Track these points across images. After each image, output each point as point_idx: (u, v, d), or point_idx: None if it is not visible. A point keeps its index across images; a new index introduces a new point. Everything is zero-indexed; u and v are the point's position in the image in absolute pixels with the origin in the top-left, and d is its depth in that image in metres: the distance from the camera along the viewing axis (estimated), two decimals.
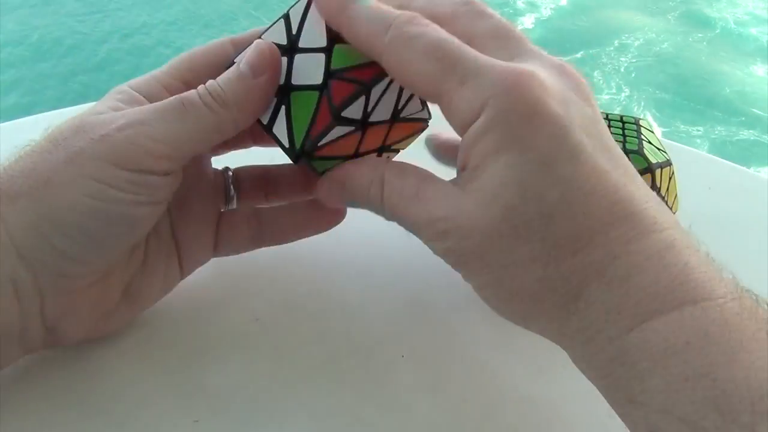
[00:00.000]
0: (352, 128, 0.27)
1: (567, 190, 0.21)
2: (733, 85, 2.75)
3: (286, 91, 0.27)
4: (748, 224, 0.40)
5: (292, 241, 0.32)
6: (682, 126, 2.51)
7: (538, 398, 0.30)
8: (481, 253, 0.22)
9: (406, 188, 0.24)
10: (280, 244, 0.32)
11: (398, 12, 0.24)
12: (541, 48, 0.25)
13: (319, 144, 0.26)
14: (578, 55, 2.82)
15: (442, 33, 0.24)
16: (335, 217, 0.32)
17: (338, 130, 0.27)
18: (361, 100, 0.26)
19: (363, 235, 0.32)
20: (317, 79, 0.26)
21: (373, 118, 0.27)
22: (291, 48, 0.27)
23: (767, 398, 0.18)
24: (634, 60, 2.88)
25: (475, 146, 0.22)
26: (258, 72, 0.26)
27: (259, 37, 0.28)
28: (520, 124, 0.22)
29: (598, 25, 3.05)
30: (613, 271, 0.21)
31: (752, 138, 2.48)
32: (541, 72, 0.23)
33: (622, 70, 2.81)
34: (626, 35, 3.01)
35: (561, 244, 0.21)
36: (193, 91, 0.26)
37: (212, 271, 0.33)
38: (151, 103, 0.27)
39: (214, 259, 0.32)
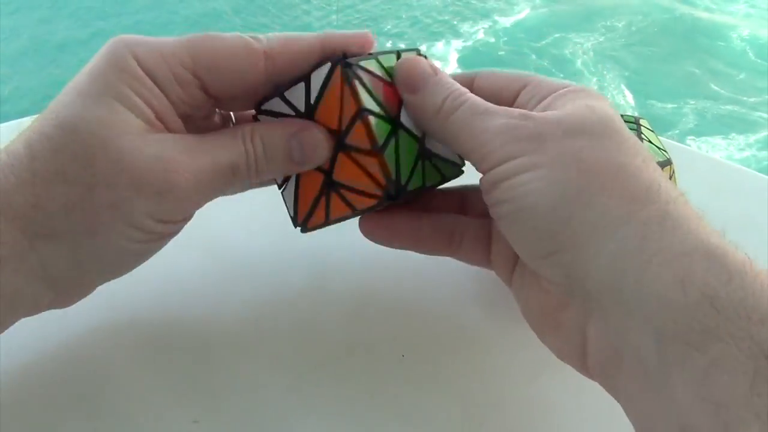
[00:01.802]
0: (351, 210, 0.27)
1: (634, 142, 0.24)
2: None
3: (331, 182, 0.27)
4: (748, 224, 0.39)
5: None
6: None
7: (538, 398, 0.30)
8: (570, 130, 0.23)
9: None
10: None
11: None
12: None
13: (314, 227, 0.28)
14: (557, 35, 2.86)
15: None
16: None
17: (338, 219, 0.28)
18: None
19: (363, 235, 0.32)
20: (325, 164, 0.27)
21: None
22: (307, 116, 0.26)
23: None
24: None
25: (561, 97, 0.25)
26: (306, 163, 0.26)
27: (281, 94, 0.26)
28: (602, 98, 0.26)
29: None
30: (678, 195, 0.23)
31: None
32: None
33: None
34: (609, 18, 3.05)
35: (648, 157, 0.23)
36: (242, 155, 0.25)
37: (212, 271, 0.33)
38: (164, 93, 0.25)
39: (214, 259, 0.32)
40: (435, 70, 0.27)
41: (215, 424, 0.27)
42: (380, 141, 0.25)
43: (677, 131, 2.43)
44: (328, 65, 0.25)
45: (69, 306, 0.27)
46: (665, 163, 0.33)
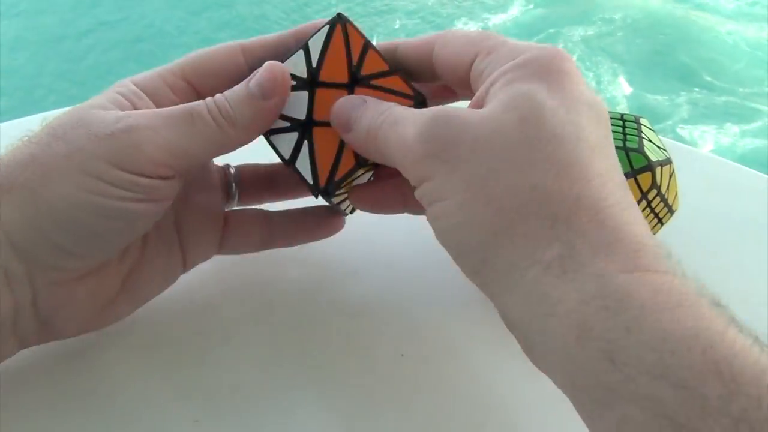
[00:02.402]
0: (369, 167, 0.28)
1: (583, 133, 0.21)
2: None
3: (308, 126, 0.27)
4: (748, 223, 0.39)
5: (298, 244, 0.33)
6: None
7: (538, 398, 0.29)
8: (478, 144, 0.22)
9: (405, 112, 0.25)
10: (287, 246, 0.33)
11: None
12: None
13: (341, 184, 0.27)
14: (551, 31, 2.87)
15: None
16: (339, 222, 0.32)
17: (358, 171, 0.27)
18: None
19: (363, 235, 0.32)
20: None
21: None
22: (311, 81, 0.27)
23: None
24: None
25: (507, 75, 0.23)
26: (268, 95, 0.26)
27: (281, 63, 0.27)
28: (554, 71, 0.23)
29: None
30: (605, 215, 0.20)
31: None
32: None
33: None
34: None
35: (568, 165, 0.21)
36: (201, 103, 0.26)
37: (212, 271, 0.33)
38: (152, 100, 0.27)
39: (214, 259, 0.32)
40: (363, 100, 0.26)
41: (215, 424, 0.27)
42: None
43: (670, 122, 2.46)
44: (327, 27, 0.27)
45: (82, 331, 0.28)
46: (665, 162, 0.33)
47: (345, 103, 0.27)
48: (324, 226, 0.32)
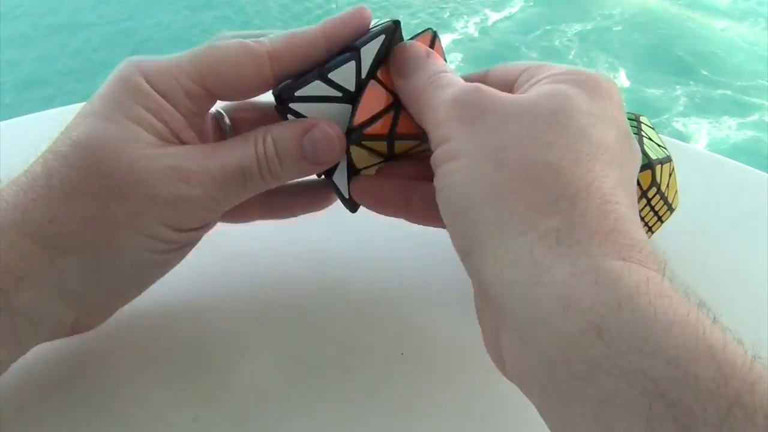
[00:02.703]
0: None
1: (608, 140, 0.22)
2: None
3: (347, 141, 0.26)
4: (748, 222, 0.39)
5: (299, 215, 0.32)
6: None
7: None
8: (507, 118, 0.22)
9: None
10: (286, 217, 0.32)
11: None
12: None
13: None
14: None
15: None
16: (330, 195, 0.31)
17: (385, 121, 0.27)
18: None
19: (363, 235, 0.32)
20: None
21: None
22: (359, 95, 0.26)
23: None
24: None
25: (546, 79, 0.24)
26: (320, 163, 0.26)
27: (325, 76, 0.25)
28: (592, 84, 0.23)
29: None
30: (613, 206, 0.20)
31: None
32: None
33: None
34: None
35: (587, 154, 0.21)
36: (253, 158, 0.25)
37: (212, 271, 0.33)
38: (175, 107, 0.25)
39: (214, 258, 0.32)
40: (427, 53, 0.26)
41: (215, 423, 0.28)
42: None
43: (666, 116, 2.48)
44: (382, 36, 0.26)
45: (91, 329, 0.28)
46: (665, 160, 0.33)
47: (410, 51, 0.26)
48: (320, 198, 0.31)
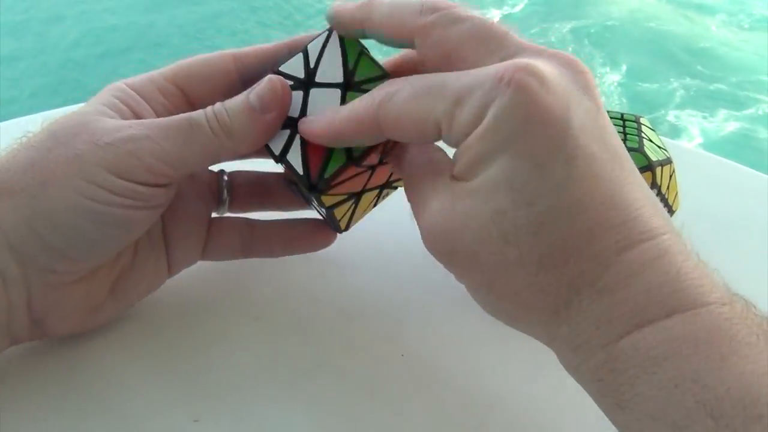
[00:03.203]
0: (365, 169, 0.28)
1: (558, 197, 0.20)
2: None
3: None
4: (748, 223, 0.39)
5: (281, 256, 0.33)
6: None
7: (538, 398, 0.30)
8: (472, 254, 0.22)
9: (419, 189, 0.25)
10: (268, 257, 0.33)
11: (371, 91, 0.25)
12: (528, 39, 0.24)
13: (332, 183, 0.27)
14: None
15: (419, 75, 0.24)
16: (326, 239, 0.32)
17: (352, 170, 0.27)
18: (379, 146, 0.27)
19: (363, 235, 0.32)
20: None
21: (386, 160, 0.28)
22: (308, 82, 0.27)
23: (759, 402, 0.17)
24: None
25: (472, 149, 0.22)
26: (268, 108, 0.26)
27: (277, 70, 0.27)
28: (517, 124, 0.21)
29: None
30: (603, 281, 0.20)
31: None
32: (541, 63, 0.22)
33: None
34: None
35: (550, 253, 0.21)
36: (201, 113, 0.26)
37: (212, 271, 0.33)
38: (146, 102, 0.27)
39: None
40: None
41: (215, 424, 0.27)
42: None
43: (663, 111, 2.50)
44: (326, 32, 0.28)
45: (62, 329, 0.28)
46: (666, 162, 0.33)
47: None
48: (310, 239, 0.32)
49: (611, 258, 0.20)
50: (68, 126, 0.25)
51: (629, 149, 0.32)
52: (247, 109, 0.26)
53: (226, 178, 0.32)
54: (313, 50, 0.28)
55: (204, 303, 0.32)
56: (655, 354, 0.19)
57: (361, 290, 0.34)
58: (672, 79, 2.63)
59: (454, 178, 0.23)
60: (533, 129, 0.21)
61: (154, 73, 0.28)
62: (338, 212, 0.30)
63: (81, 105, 0.27)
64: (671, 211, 0.34)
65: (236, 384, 0.29)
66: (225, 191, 0.31)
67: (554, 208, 0.20)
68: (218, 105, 0.26)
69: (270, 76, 0.27)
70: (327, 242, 0.32)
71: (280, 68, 0.28)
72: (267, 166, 0.30)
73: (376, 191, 0.31)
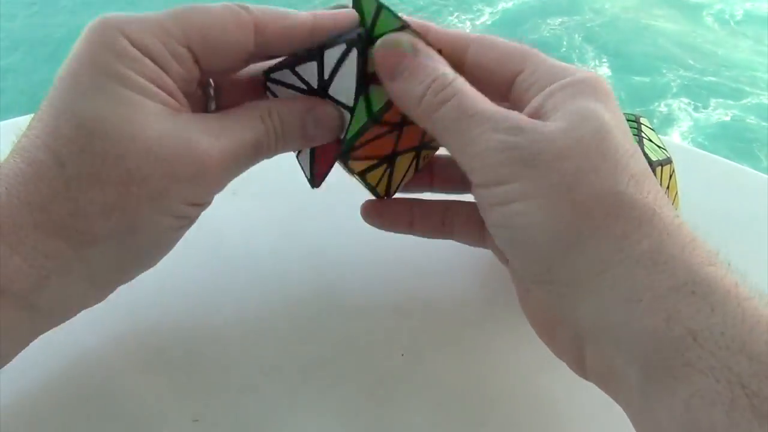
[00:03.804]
0: (389, 129, 0.27)
1: (633, 148, 0.24)
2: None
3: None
4: (748, 223, 0.39)
5: None
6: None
7: (539, 397, 0.30)
8: (562, 153, 0.22)
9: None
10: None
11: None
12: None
13: (356, 144, 0.27)
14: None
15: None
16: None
17: (377, 130, 0.27)
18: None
19: (363, 235, 0.32)
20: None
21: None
22: (322, 90, 0.27)
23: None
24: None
25: (560, 92, 0.24)
26: (317, 139, 0.27)
27: (292, 68, 0.27)
28: (604, 91, 0.24)
29: None
30: (679, 221, 0.22)
31: None
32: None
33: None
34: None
35: (642, 175, 0.23)
36: (265, 135, 0.26)
37: (212, 271, 0.33)
38: (165, 73, 0.24)
39: (214, 258, 0.32)
40: (416, 51, 0.25)
41: (215, 424, 0.27)
42: None
43: (657, 104, 2.52)
44: (343, 46, 0.25)
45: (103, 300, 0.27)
46: (666, 162, 0.33)
47: (393, 48, 0.25)
48: None
49: (674, 217, 0.23)
50: (132, 151, 0.23)
51: None
52: (302, 137, 0.27)
53: (212, 90, 0.29)
54: (330, 59, 0.26)
55: (204, 303, 0.32)
56: (738, 292, 0.21)
57: (362, 290, 0.34)
58: (665, 72, 2.67)
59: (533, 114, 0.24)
60: (612, 99, 0.24)
61: (158, 28, 0.24)
62: (371, 178, 0.29)
63: (68, 72, 0.23)
64: None
65: (236, 384, 0.29)
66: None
67: (639, 154, 0.24)
68: (276, 121, 0.26)
69: (329, 111, 0.26)
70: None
71: (296, 68, 0.27)
72: None
73: (412, 153, 0.30)
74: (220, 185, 0.26)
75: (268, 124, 0.26)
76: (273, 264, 0.33)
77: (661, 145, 0.35)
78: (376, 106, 0.26)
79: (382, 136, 0.27)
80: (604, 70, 2.66)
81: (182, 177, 0.23)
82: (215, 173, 0.24)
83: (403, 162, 0.30)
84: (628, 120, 0.35)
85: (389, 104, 0.26)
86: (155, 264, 0.27)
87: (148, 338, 0.30)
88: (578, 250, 0.22)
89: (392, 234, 0.30)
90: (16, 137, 0.24)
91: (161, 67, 0.24)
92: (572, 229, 0.22)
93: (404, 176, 0.31)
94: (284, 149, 0.27)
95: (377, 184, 0.30)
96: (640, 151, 0.25)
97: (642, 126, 0.35)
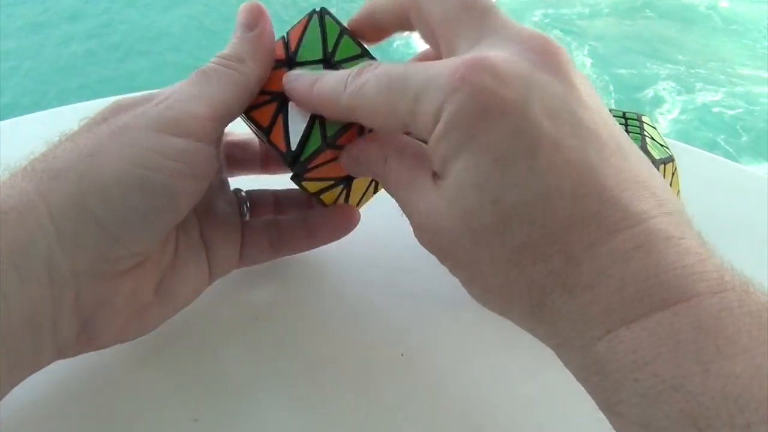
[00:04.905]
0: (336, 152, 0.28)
1: (523, 191, 0.20)
2: None
3: (284, 98, 0.28)
4: (748, 223, 0.39)
5: (309, 249, 0.33)
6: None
7: (538, 398, 0.29)
8: (452, 251, 0.22)
9: (402, 174, 0.24)
10: (297, 253, 0.33)
11: (348, 70, 0.25)
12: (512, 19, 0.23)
13: (309, 166, 0.27)
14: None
15: (387, 66, 0.24)
16: (349, 221, 0.32)
17: (330, 154, 0.27)
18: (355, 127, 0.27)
19: (363, 234, 0.32)
20: None
21: None
22: (289, 61, 0.28)
23: (746, 411, 0.16)
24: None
25: (438, 148, 0.22)
26: (251, 26, 0.28)
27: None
28: (473, 122, 0.20)
29: None
30: (574, 279, 0.19)
31: None
32: (498, 55, 0.21)
33: None
34: None
35: (520, 251, 0.20)
36: (207, 64, 0.27)
37: None
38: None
39: None
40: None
41: (215, 423, 0.27)
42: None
43: (643, 93, 2.55)
44: (305, 17, 0.28)
45: (129, 334, 0.28)
46: (668, 160, 0.33)
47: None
48: (332, 225, 0.32)
49: (582, 254, 0.19)
50: (103, 111, 0.26)
51: None
52: (236, 37, 0.28)
53: (243, 193, 0.32)
54: (294, 34, 0.28)
55: (204, 303, 0.32)
56: (634, 359, 0.18)
57: (361, 290, 0.34)
58: (649, 65, 2.70)
59: (435, 174, 0.23)
60: (490, 124, 0.20)
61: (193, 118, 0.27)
62: (327, 198, 0.30)
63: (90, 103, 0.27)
64: None
65: (236, 384, 0.29)
66: (244, 205, 0.32)
67: (520, 202, 0.20)
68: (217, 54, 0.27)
69: (242, 5, 0.28)
70: (350, 225, 0.32)
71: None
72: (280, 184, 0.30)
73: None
74: (198, 108, 0.26)
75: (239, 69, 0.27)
76: (272, 263, 0.33)
77: (663, 143, 0.35)
78: (331, 131, 0.26)
79: (337, 159, 0.28)
80: (588, 61, 2.68)
81: (146, 108, 0.25)
82: (181, 102, 0.26)
83: (361, 183, 0.30)
84: (629, 118, 0.35)
85: (345, 128, 0.26)
86: (148, 233, 0.25)
87: (148, 338, 0.30)
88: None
89: (392, 234, 0.30)
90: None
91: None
92: (497, 311, 0.23)
93: (363, 196, 0.31)
94: (235, 51, 0.27)
95: (332, 204, 0.31)
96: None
97: (644, 124, 0.35)
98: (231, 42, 0.28)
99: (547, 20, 2.93)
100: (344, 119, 0.26)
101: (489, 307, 0.23)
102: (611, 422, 0.19)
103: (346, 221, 0.32)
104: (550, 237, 0.20)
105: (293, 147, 0.27)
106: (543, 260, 0.20)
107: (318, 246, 0.32)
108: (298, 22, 0.28)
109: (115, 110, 0.26)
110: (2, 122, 0.41)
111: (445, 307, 0.33)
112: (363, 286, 0.34)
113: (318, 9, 0.28)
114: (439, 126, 0.21)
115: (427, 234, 0.23)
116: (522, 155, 0.20)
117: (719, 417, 0.16)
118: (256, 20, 0.28)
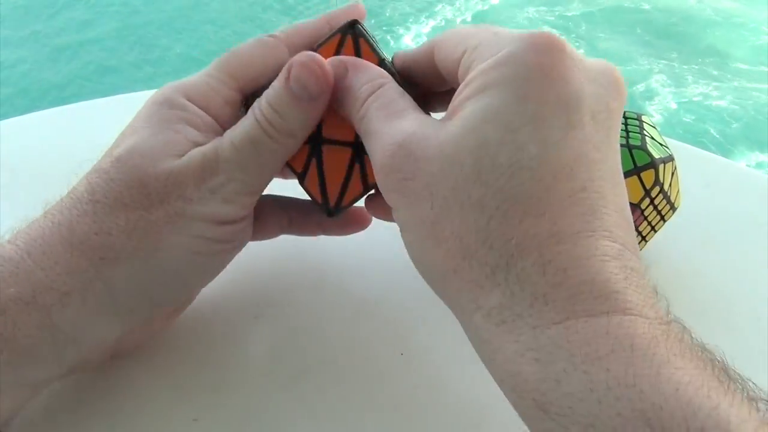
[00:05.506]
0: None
1: (548, 153, 0.20)
2: None
3: (317, 141, 0.27)
4: (748, 223, 0.39)
5: (317, 235, 0.32)
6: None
7: None
8: (433, 180, 0.21)
9: (394, 104, 0.24)
10: (306, 235, 0.32)
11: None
12: None
13: (347, 206, 0.28)
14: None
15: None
16: (362, 223, 0.32)
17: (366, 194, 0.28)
18: None
19: (363, 234, 0.32)
20: (349, 135, 0.27)
21: None
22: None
23: (699, 414, 0.16)
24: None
25: (474, 82, 0.21)
26: (315, 95, 0.25)
27: None
28: (534, 70, 0.20)
29: None
30: (551, 254, 0.19)
31: None
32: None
33: None
34: None
35: (516, 201, 0.19)
36: (256, 125, 0.25)
37: None
38: (209, 114, 0.27)
39: None
40: (343, 66, 0.25)
41: (215, 423, 0.27)
42: None
43: (639, 87, 2.56)
44: (338, 35, 0.27)
45: (131, 351, 0.28)
46: (668, 159, 0.33)
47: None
48: (342, 224, 0.32)
49: (573, 236, 0.19)
50: (153, 176, 0.24)
51: (632, 147, 0.33)
52: (294, 101, 0.25)
53: None
54: (327, 52, 0.27)
55: (204, 302, 0.32)
56: (588, 351, 0.17)
57: (361, 290, 0.34)
58: (643, 62, 2.72)
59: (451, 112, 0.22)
60: (547, 82, 0.20)
61: (210, 80, 0.27)
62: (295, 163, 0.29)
63: (129, 125, 0.26)
64: (673, 208, 0.34)
65: (236, 384, 0.29)
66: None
67: (541, 160, 0.20)
68: (265, 105, 0.25)
69: (303, 55, 0.25)
70: (362, 225, 0.32)
71: (317, 56, 0.26)
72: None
73: (347, 151, 0.29)
74: (234, 195, 0.25)
75: (257, 113, 0.26)
76: (273, 263, 0.33)
77: (663, 143, 0.35)
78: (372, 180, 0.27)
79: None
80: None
81: (194, 198, 0.25)
82: (220, 181, 0.25)
83: (333, 156, 0.27)
84: (629, 118, 0.35)
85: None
86: (188, 295, 0.28)
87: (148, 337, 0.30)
88: (446, 291, 0.22)
89: (392, 233, 0.30)
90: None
91: (211, 114, 0.27)
92: (441, 270, 0.21)
93: (346, 185, 0.28)
94: (289, 124, 0.25)
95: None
96: (597, 135, 0.21)
97: (644, 123, 0.35)
98: (281, 100, 0.25)
99: (539, 16, 2.95)
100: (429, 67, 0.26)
101: (429, 265, 0.22)
102: (537, 427, 0.19)
103: (361, 221, 0.32)
104: (549, 203, 0.19)
105: (331, 201, 0.27)
106: (533, 221, 0.19)
107: (326, 234, 0.32)
108: (329, 37, 0.27)
109: (164, 179, 0.25)
110: (2, 122, 0.41)
111: (445, 307, 0.33)
112: (363, 286, 0.34)
113: (352, 26, 0.26)
114: (499, 56, 0.21)
115: (406, 157, 0.22)
116: (560, 125, 0.20)
117: (673, 418, 0.16)
118: (322, 89, 0.25)
